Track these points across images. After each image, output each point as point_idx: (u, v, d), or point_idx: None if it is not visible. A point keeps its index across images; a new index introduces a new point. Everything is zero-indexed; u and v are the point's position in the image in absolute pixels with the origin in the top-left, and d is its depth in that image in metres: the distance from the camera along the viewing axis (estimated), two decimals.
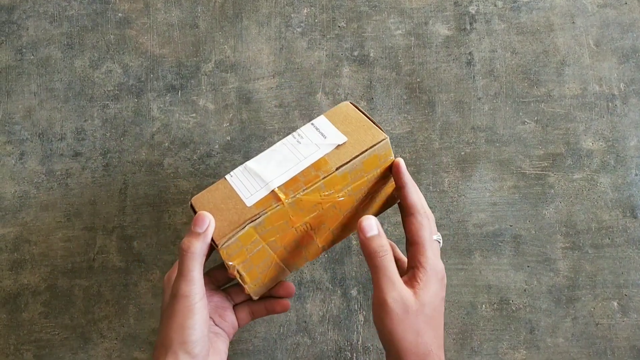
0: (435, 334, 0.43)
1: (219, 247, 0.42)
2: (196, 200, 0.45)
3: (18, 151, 0.59)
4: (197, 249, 0.42)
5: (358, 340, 0.56)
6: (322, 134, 0.46)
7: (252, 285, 0.46)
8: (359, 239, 0.44)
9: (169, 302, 0.43)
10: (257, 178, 0.44)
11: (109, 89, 0.60)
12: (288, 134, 0.59)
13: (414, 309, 0.41)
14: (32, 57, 0.60)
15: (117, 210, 0.58)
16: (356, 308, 0.57)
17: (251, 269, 0.45)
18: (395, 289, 0.42)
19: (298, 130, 0.47)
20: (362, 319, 0.56)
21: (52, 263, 0.57)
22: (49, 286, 0.57)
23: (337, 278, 0.57)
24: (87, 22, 0.61)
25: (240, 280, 0.45)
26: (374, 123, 0.45)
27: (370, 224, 0.43)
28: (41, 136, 0.59)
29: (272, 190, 0.43)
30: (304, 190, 0.43)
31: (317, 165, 0.44)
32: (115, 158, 0.59)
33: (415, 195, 0.46)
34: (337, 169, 0.43)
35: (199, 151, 0.59)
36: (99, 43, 0.61)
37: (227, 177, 0.45)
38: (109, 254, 0.57)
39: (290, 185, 0.43)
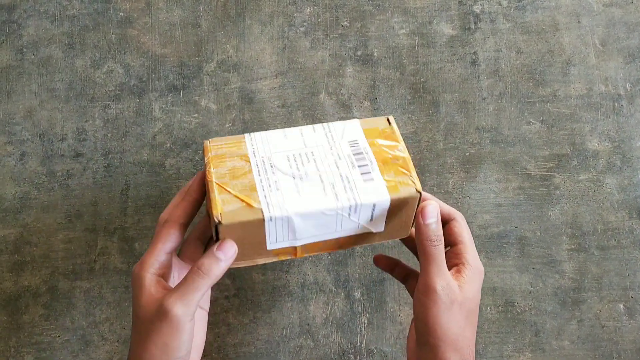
0: (473, 332, 0.43)
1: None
2: (226, 228, 0.40)
3: (19, 152, 0.58)
4: (215, 274, 0.40)
5: (362, 343, 0.56)
6: (372, 216, 0.42)
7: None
8: (415, 222, 0.43)
9: (154, 316, 0.40)
10: (292, 234, 0.42)
11: (110, 89, 0.59)
12: None
13: (459, 300, 0.42)
14: (33, 56, 0.60)
15: (119, 211, 0.57)
16: (360, 310, 0.56)
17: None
18: (445, 278, 0.42)
19: (359, 198, 0.41)
20: (366, 322, 0.56)
21: (53, 265, 0.57)
22: (50, 288, 0.56)
23: (340, 280, 0.57)
24: (88, 22, 0.60)
25: None
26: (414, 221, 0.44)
27: (432, 210, 0.43)
28: (42, 137, 0.59)
29: (293, 246, 0.43)
30: (319, 251, 0.44)
31: (341, 240, 0.44)
32: (117, 159, 0.58)
33: (445, 205, 0.46)
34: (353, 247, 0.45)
35: (201, 152, 0.58)
36: (100, 43, 0.60)
37: (266, 215, 0.40)
38: (111, 256, 0.57)
39: (311, 247, 0.44)
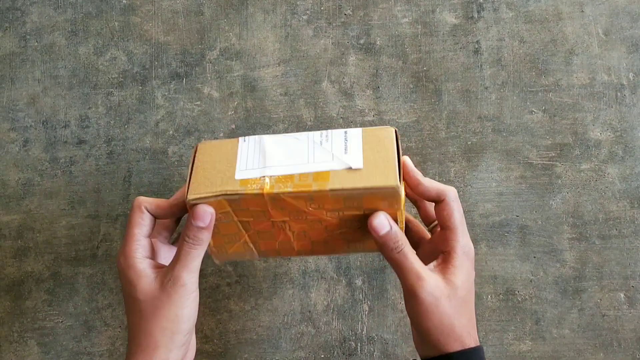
0: (469, 316, 0.43)
1: (187, 201, 0.41)
2: (202, 147, 0.44)
3: (22, 138, 0.59)
4: (204, 240, 0.42)
5: (362, 330, 0.56)
6: (346, 147, 0.42)
7: (215, 249, 0.46)
8: (373, 237, 0.42)
9: (159, 291, 0.41)
10: (262, 156, 0.43)
11: (113, 76, 0.60)
12: (293, 122, 0.58)
13: (445, 294, 0.41)
14: (36, 43, 0.60)
15: (121, 198, 0.58)
16: (361, 298, 0.56)
17: (217, 235, 0.44)
18: (422, 279, 0.41)
19: (330, 131, 0.44)
20: (367, 309, 0.56)
21: (56, 251, 0.57)
22: (53, 274, 0.57)
23: (341, 267, 0.57)
24: (91, 9, 0.60)
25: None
26: (399, 166, 0.42)
27: (381, 221, 0.42)
28: (45, 123, 0.59)
29: (263, 176, 0.41)
30: (290, 192, 0.41)
31: (317, 176, 0.41)
32: (119, 146, 0.58)
33: (436, 184, 0.45)
34: (331, 190, 0.40)
35: (203, 139, 0.58)
36: (103, 30, 0.60)
37: (241, 139, 0.44)
38: (113, 242, 0.57)
39: (282, 180, 0.41)
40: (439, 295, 0.41)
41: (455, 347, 0.41)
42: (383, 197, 0.41)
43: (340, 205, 0.42)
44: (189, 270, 0.41)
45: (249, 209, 0.42)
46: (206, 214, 0.41)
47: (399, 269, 0.42)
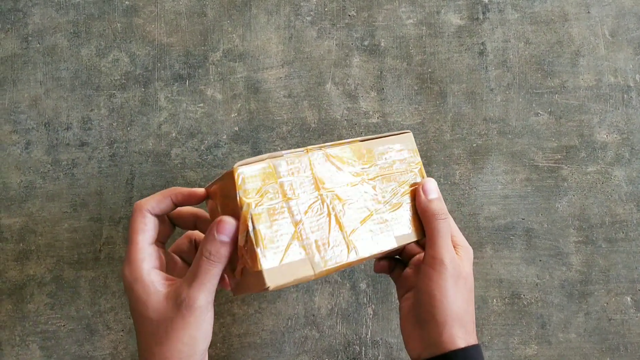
0: (472, 311, 0.44)
1: (234, 167, 0.38)
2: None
3: (24, 140, 0.58)
4: (225, 257, 0.38)
5: (367, 334, 0.56)
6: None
7: (269, 256, 0.38)
8: (417, 201, 0.44)
9: (172, 311, 0.38)
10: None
11: (115, 78, 0.59)
12: (296, 124, 0.58)
13: (464, 274, 0.43)
14: (38, 45, 0.59)
15: (124, 200, 0.57)
16: (365, 302, 0.56)
17: (268, 227, 0.38)
18: (452, 252, 0.43)
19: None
20: (371, 313, 0.56)
21: (58, 254, 0.57)
22: (55, 277, 0.56)
23: (346, 271, 0.56)
24: (93, 10, 0.60)
25: (253, 239, 0.38)
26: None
27: (433, 187, 0.44)
28: (47, 125, 0.58)
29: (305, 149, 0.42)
30: (329, 145, 0.43)
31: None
32: (122, 148, 0.58)
33: None
34: (361, 140, 0.45)
35: (206, 142, 0.58)
36: (105, 31, 0.60)
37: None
38: (116, 245, 0.57)
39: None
40: (460, 272, 0.42)
41: (460, 335, 0.41)
42: (402, 144, 0.46)
43: (373, 160, 0.45)
44: (206, 289, 0.38)
45: (294, 176, 0.40)
46: (231, 229, 0.38)
47: (435, 236, 0.43)
